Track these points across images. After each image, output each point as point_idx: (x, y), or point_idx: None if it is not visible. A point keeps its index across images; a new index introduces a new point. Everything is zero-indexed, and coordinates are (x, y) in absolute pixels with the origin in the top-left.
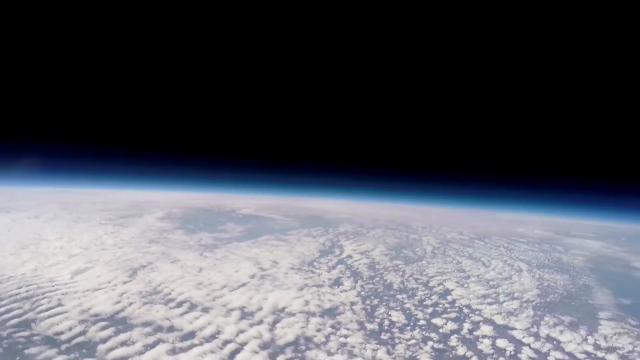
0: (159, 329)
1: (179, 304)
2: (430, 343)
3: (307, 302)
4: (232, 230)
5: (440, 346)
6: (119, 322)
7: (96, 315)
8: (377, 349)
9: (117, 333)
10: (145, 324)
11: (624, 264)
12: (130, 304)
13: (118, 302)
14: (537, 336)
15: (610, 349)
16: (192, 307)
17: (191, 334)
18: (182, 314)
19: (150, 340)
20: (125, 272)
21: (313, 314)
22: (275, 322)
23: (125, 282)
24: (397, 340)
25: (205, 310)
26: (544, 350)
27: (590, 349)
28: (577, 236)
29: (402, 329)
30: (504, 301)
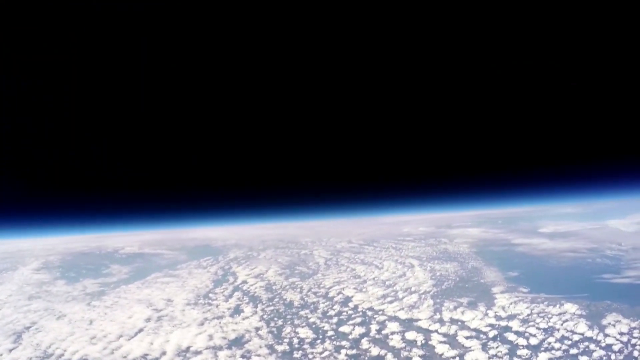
0: None
1: None
2: (343, 351)
3: (211, 337)
4: (118, 273)
5: (354, 352)
6: None
7: None
8: None
9: None
10: None
11: (504, 243)
12: None
13: None
14: (441, 321)
15: (511, 317)
16: None
17: None
18: None
19: None
20: (9, 338)
21: (220, 348)
22: None
23: (11, 350)
24: (310, 356)
25: None
26: (452, 332)
27: (492, 321)
28: (458, 227)
29: (312, 344)
30: (404, 297)
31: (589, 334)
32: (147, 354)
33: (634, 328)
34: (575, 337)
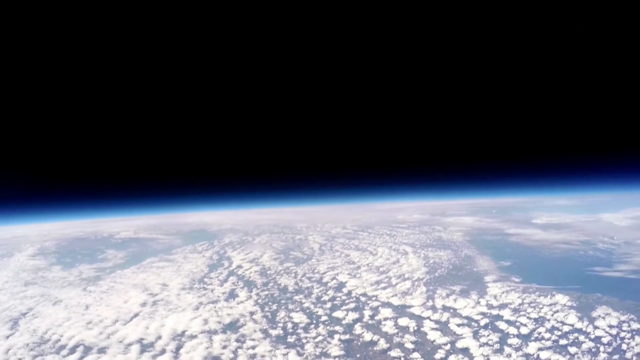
0: None
1: (72, 350)
2: (336, 336)
3: (206, 321)
4: (114, 258)
5: (347, 337)
6: None
7: None
8: (287, 353)
9: None
10: None
11: (498, 233)
12: None
13: None
14: (434, 308)
15: (502, 306)
16: (87, 350)
17: None
18: None
19: None
20: (6, 324)
21: (215, 332)
22: (179, 348)
23: (7, 337)
24: (304, 340)
25: (102, 350)
26: (444, 319)
27: (484, 309)
28: (453, 215)
29: (306, 329)
30: (397, 283)
31: (578, 325)
32: (142, 338)
33: (623, 321)
34: (565, 328)
